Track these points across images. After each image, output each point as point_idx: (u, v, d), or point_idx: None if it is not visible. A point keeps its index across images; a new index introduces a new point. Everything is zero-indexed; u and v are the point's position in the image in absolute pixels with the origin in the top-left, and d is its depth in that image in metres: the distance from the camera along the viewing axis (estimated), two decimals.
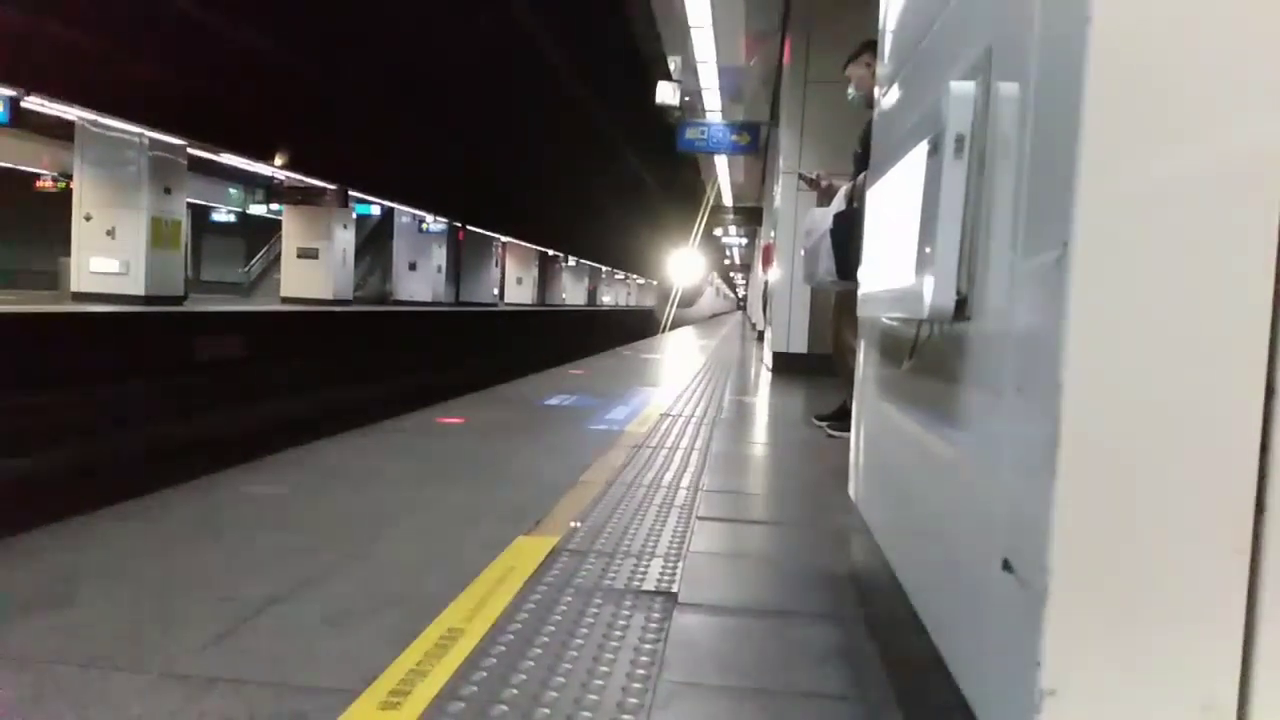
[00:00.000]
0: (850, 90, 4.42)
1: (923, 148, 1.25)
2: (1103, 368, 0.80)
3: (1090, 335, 0.80)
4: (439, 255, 29.76)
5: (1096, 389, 0.80)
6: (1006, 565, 0.91)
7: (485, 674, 1.56)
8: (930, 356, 1.38)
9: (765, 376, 8.70)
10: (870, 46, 4.21)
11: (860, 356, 2.19)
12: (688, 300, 39.34)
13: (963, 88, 1.11)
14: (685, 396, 6.29)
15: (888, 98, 1.91)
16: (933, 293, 1.13)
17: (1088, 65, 0.80)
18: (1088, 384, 0.80)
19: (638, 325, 35.64)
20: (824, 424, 4.77)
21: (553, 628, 1.79)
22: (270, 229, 29.54)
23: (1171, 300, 0.79)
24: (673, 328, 27.07)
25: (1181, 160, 0.80)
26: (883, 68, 2.06)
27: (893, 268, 1.46)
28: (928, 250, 1.16)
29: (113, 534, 2.37)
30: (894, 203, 1.51)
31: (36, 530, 2.34)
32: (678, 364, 10.24)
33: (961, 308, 1.12)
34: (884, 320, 1.76)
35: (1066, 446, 0.80)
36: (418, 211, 27.74)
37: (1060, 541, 0.80)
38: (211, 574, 2.06)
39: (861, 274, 2.00)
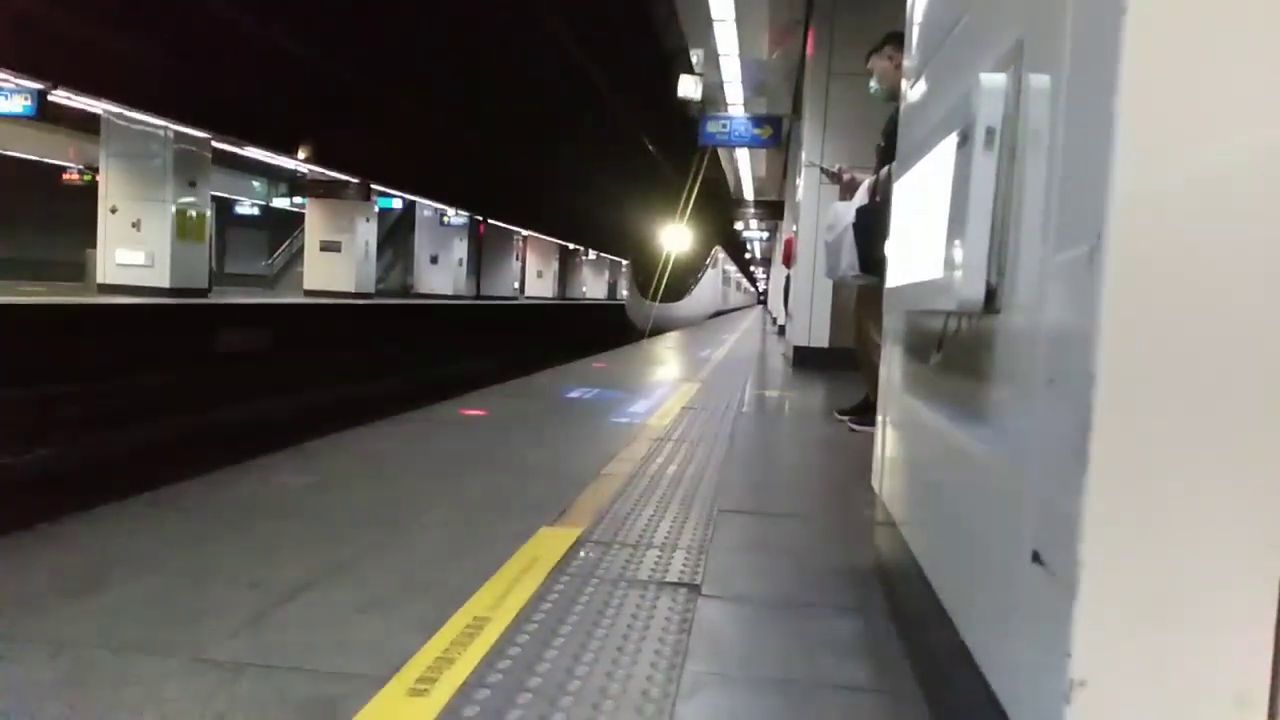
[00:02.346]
0: (872, 83, 4.38)
1: (952, 140, 1.24)
2: (1135, 360, 0.80)
3: (1123, 327, 0.80)
4: (460, 249, 29.91)
5: (1129, 380, 0.80)
6: (1036, 557, 0.90)
7: (511, 662, 1.58)
8: (959, 349, 1.37)
9: (786, 371, 8.68)
10: (893, 39, 4.18)
11: (885, 350, 2.19)
12: (677, 286, 25.25)
13: (993, 80, 1.10)
14: (706, 390, 6.29)
15: (915, 90, 1.90)
16: (962, 284, 1.12)
17: (1123, 56, 0.79)
18: (1120, 375, 0.80)
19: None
20: (846, 418, 4.75)
21: (577, 617, 1.80)
22: (293, 222, 29.77)
23: (1205, 292, 0.79)
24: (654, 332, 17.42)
25: (1217, 152, 0.79)
26: (910, 59, 2.04)
27: (921, 260, 1.45)
28: (957, 242, 1.15)
29: (145, 521, 2.41)
30: (922, 195, 1.50)
31: (70, 517, 2.39)
32: (697, 358, 10.24)
33: (991, 300, 1.12)
34: (911, 313, 1.76)
35: (1098, 438, 0.80)
36: (439, 205, 27.86)
37: (1092, 533, 0.80)
38: (242, 561, 2.09)
39: (888, 267, 1.99)
